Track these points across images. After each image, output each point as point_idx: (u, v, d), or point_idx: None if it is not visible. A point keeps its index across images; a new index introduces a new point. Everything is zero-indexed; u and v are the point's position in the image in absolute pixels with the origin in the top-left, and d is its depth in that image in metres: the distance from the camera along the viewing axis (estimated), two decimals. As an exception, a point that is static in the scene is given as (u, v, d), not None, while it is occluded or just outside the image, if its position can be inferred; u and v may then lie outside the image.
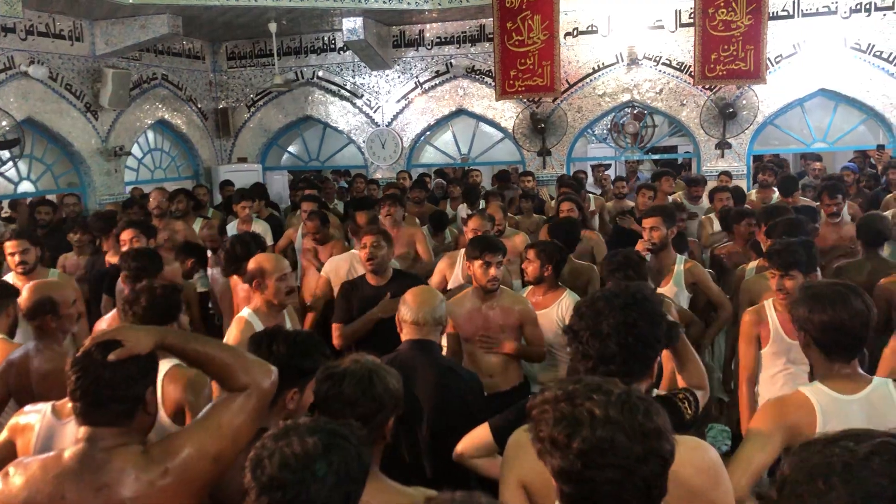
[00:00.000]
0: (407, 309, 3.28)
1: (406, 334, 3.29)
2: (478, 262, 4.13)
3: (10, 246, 5.08)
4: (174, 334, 2.19)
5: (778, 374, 3.70)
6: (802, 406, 2.40)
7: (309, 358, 2.44)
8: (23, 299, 3.53)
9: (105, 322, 4.07)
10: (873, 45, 10.20)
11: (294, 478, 1.59)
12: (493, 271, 4.09)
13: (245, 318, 3.83)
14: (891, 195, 7.52)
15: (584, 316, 2.08)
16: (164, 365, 2.93)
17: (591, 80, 11.30)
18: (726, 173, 9.59)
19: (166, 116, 11.71)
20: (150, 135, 11.80)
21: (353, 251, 5.60)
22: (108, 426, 2.01)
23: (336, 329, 4.53)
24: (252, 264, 3.96)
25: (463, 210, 8.44)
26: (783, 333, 3.69)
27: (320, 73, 12.46)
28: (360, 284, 4.59)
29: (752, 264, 4.94)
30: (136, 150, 11.33)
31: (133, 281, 4.27)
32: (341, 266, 5.39)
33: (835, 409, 2.35)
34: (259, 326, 3.61)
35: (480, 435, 2.54)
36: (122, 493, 1.94)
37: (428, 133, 12.40)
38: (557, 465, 1.41)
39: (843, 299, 2.40)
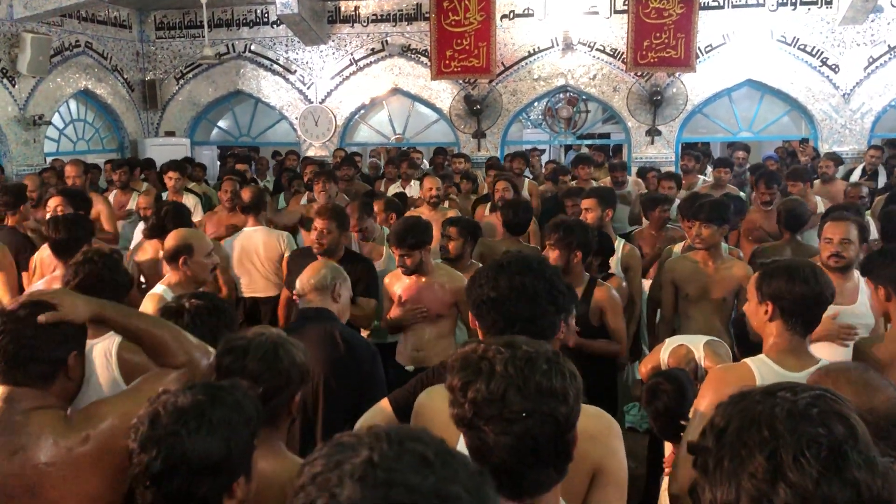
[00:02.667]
0: (298, 282, 3.31)
1: (302, 304, 3.31)
2: (395, 251, 4.17)
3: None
4: (113, 308, 2.07)
5: None
6: (743, 378, 2.42)
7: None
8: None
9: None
10: (798, 39, 10.51)
11: (165, 432, 1.57)
12: (405, 261, 4.09)
13: (160, 294, 3.69)
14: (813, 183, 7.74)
15: (481, 284, 2.06)
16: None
17: (526, 64, 11.33)
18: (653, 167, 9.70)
19: (90, 86, 11.27)
20: (73, 104, 11.35)
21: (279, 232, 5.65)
22: (27, 387, 1.92)
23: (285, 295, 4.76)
24: (176, 241, 3.79)
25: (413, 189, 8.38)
26: None
27: (252, 47, 12.17)
28: (310, 257, 4.52)
29: (678, 246, 5.04)
30: (57, 119, 10.89)
31: (61, 252, 4.04)
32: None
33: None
34: None
35: (381, 409, 2.49)
36: (38, 458, 1.85)
37: (362, 111, 12.27)
38: (454, 413, 1.43)
39: (817, 274, 2.43)
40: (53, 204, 5.10)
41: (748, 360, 2.50)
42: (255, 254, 5.46)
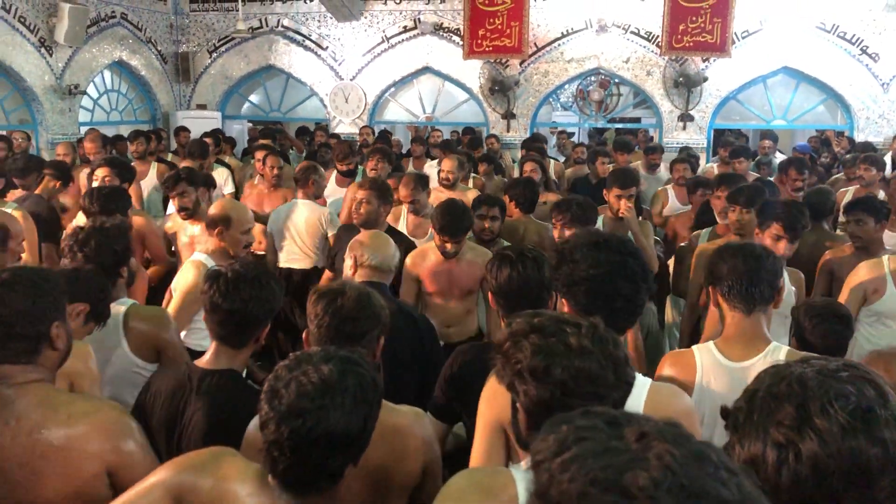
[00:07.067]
0: (370, 253, 3.26)
1: (360, 276, 3.25)
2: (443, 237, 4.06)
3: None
4: None
5: None
6: (686, 364, 2.42)
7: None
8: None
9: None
10: (837, 26, 10.33)
11: (313, 405, 1.54)
12: (452, 247, 4.02)
13: (201, 261, 3.77)
14: (842, 175, 7.63)
15: (576, 261, 2.05)
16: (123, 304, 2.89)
17: (558, 45, 11.25)
18: (686, 148, 9.58)
19: (124, 57, 11.36)
20: (108, 75, 11.46)
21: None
22: (11, 363, 1.91)
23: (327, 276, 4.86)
24: (219, 210, 3.89)
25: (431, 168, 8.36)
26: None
27: (285, 22, 12.19)
28: (355, 231, 4.51)
29: (707, 229, 5.01)
30: (91, 90, 11.00)
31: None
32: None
33: (716, 372, 2.37)
34: None
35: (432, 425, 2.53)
36: (30, 429, 1.86)
37: (392, 89, 12.26)
38: (534, 395, 1.44)
39: (747, 249, 2.42)
40: (101, 174, 5.13)
41: (694, 347, 2.47)
42: (295, 226, 5.54)
